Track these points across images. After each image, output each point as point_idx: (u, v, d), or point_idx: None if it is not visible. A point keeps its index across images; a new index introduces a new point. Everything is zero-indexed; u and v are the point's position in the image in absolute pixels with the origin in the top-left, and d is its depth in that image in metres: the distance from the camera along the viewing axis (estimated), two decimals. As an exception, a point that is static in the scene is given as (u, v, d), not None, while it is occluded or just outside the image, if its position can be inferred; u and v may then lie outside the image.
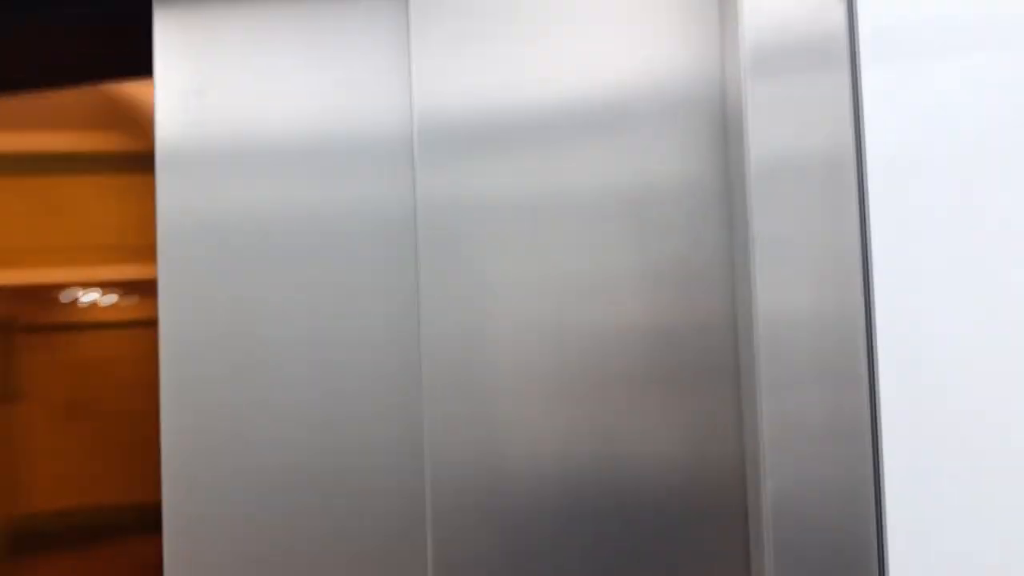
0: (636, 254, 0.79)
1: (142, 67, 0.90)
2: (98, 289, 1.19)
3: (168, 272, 0.93)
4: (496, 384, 0.83)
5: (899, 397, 0.69)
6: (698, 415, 0.78)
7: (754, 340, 0.72)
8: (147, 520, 1.17)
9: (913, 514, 0.69)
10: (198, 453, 0.95)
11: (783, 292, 0.72)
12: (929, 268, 0.69)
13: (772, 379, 0.72)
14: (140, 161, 1.12)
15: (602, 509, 0.80)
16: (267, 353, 0.92)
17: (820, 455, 0.71)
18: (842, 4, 0.71)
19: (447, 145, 0.82)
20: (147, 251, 1.07)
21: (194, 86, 0.88)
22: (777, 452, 0.71)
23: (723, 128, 0.78)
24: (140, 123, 1.14)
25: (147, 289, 1.17)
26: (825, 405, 0.71)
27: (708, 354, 0.78)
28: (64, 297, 1.21)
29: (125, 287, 1.19)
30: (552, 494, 0.80)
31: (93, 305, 1.19)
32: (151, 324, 1.01)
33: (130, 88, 1.14)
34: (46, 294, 1.19)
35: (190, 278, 0.93)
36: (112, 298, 1.20)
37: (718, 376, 0.78)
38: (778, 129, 0.71)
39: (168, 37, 0.88)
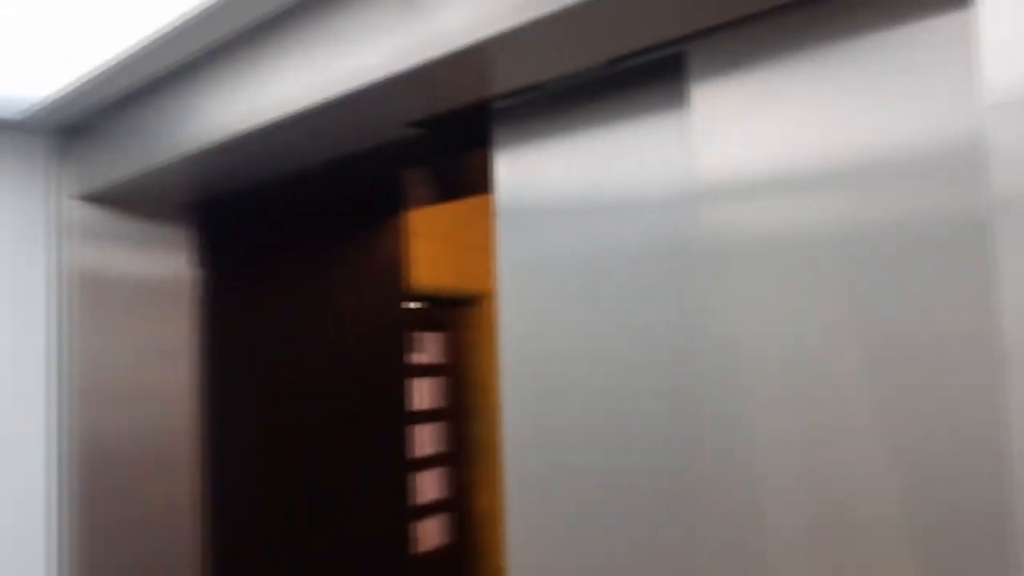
0: (903, 283, 0.83)
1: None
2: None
3: (507, 299, 1.24)
4: (767, 385, 0.92)
5: None
6: (960, 429, 0.79)
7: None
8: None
9: None
10: (534, 446, 1.20)
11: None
12: None
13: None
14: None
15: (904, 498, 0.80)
16: (585, 363, 1.14)
17: None
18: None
19: (720, 194, 0.96)
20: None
21: (531, 192, 1.21)
22: None
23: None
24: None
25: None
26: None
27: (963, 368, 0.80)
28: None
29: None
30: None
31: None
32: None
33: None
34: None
35: (528, 303, 1.21)
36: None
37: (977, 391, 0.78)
38: (1016, 167, 0.72)
39: (506, 159, 1.24)
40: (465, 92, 1.16)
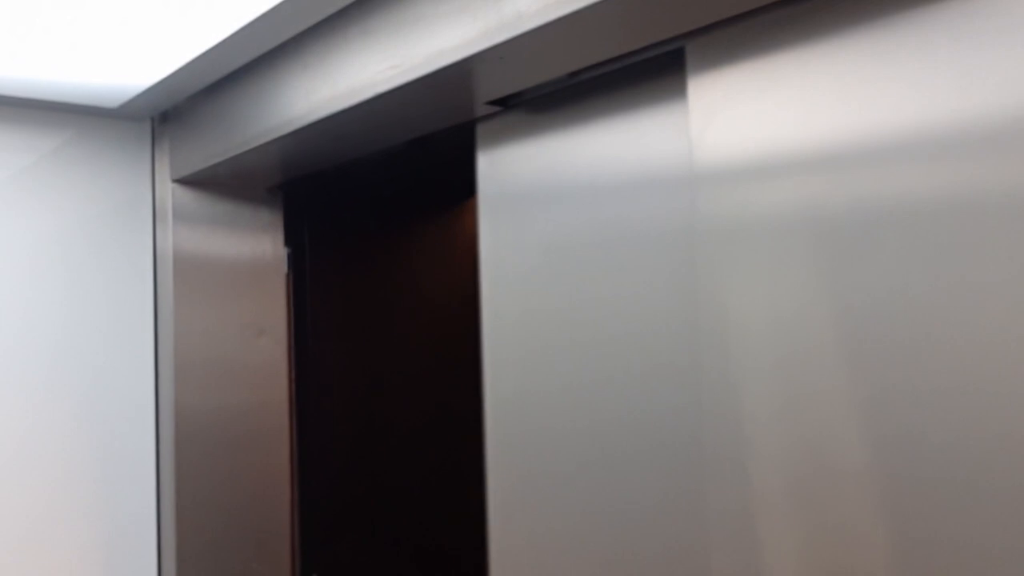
0: (878, 263, 0.87)
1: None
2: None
3: (489, 280, 1.38)
4: (764, 372, 0.97)
5: None
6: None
7: None
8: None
9: None
10: (514, 415, 1.32)
11: None
12: None
13: None
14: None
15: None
16: (567, 340, 1.25)
17: None
18: None
19: (717, 177, 1.02)
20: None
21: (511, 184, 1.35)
22: None
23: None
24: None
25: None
26: None
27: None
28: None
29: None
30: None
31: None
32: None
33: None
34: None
35: (508, 283, 1.34)
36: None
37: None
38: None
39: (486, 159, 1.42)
40: (544, 70, 1.19)
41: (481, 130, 1.41)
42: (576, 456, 1.22)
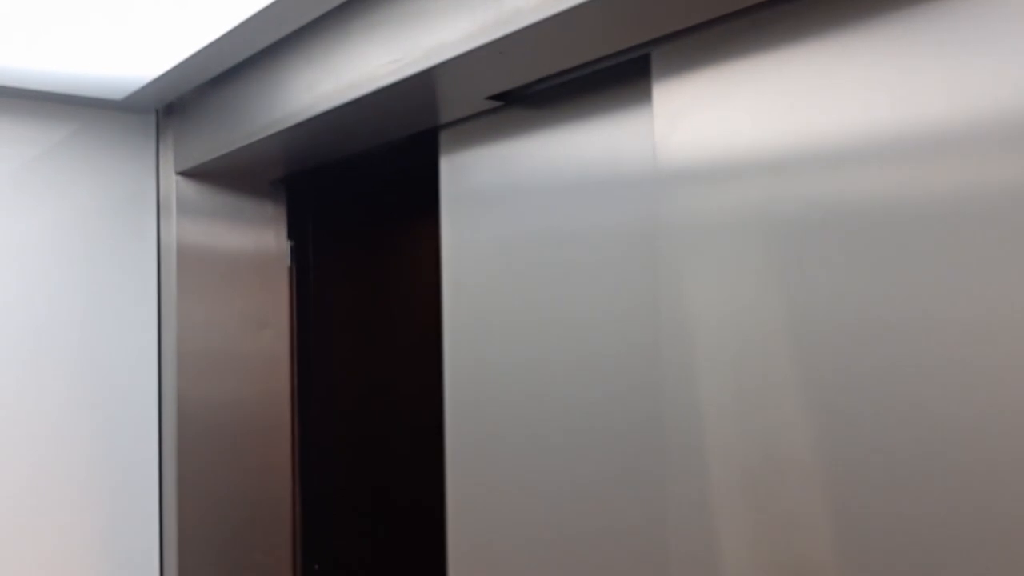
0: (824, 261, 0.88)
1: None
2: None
3: (450, 276, 1.48)
4: (724, 365, 1.01)
5: None
6: None
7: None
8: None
9: None
10: (476, 405, 1.41)
11: None
12: None
13: None
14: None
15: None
16: (535, 336, 1.30)
17: None
18: None
19: (679, 179, 1.06)
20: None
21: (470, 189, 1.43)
22: None
23: None
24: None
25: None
26: None
27: None
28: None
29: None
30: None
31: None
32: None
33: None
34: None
35: (471, 280, 1.43)
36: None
37: None
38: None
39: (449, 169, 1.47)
40: (541, 66, 1.20)
41: (444, 136, 1.47)
42: (534, 445, 1.29)
